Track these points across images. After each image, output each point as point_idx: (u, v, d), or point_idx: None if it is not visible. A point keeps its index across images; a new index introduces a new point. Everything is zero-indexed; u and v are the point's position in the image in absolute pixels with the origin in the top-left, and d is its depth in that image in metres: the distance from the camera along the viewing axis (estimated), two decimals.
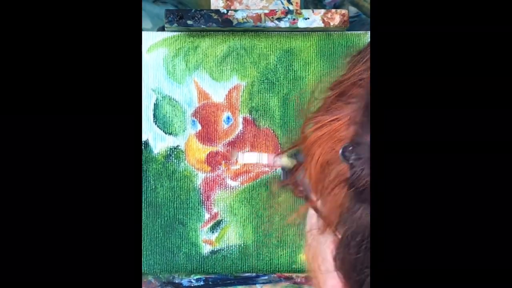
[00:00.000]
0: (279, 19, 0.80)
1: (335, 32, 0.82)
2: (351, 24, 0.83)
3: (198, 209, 0.80)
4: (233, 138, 0.80)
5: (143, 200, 0.79)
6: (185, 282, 0.79)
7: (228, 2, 0.82)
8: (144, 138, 0.80)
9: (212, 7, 0.82)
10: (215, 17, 0.79)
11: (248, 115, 0.81)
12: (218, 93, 0.81)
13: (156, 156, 0.80)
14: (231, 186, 0.80)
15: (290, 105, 0.81)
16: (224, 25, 0.79)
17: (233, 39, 0.81)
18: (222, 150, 0.80)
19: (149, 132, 0.80)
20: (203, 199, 0.80)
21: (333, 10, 0.80)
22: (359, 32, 0.82)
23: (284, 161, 0.65)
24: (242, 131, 0.80)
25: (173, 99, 0.81)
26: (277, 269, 0.79)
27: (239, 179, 0.80)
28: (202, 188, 0.80)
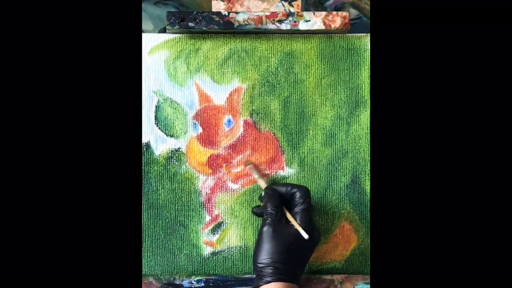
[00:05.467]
0: (280, 21, 0.80)
1: (336, 35, 0.82)
2: (352, 26, 0.84)
3: (199, 211, 0.80)
4: (234, 141, 0.80)
5: (144, 202, 0.79)
6: (185, 283, 0.79)
7: (229, 4, 0.82)
8: (145, 140, 0.80)
9: (214, 9, 0.82)
10: (217, 19, 0.79)
11: (249, 118, 0.81)
12: (219, 96, 0.81)
13: (158, 158, 0.80)
14: (232, 189, 0.80)
15: (291, 108, 0.81)
16: (225, 27, 0.79)
17: (234, 42, 0.82)
18: (223, 153, 0.80)
19: (151, 134, 0.80)
20: (204, 201, 0.80)
21: (334, 13, 0.80)
22: (360, 34, 0.82)
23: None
24: (243, 134, 0.80)
25: (175, 101, 0.81)
26: None
27: (239, 181, 0.80)
28: (203, 190, 0.80)
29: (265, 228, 0.73)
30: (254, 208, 0.78)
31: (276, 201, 0.74)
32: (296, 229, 0.72)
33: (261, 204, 0.78)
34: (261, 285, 0.70)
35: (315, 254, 0.79)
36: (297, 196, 0.74)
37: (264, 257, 0.71)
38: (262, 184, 0.78)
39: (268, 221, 0.73)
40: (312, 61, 0.82)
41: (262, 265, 0.71)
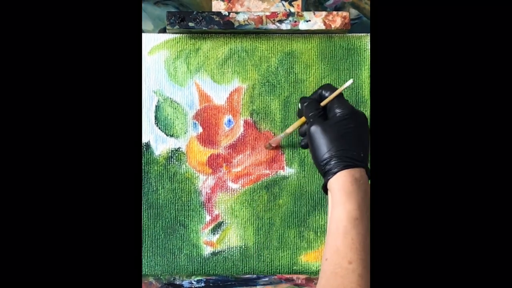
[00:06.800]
0: (280, 21, 0.80)
1: (336, 35, 0.82)
2: (352, 26, 0.84)
3: (199, 211, 0.80)
4: (234, 141, 0.80)
5: (144, 202, 0.79)
6: (186, 283, 0.80)
7: (229, 4, 0.82)
8: (145, 140, 0.80)
9: (214, 9, 0.82)
10: (217, 19, 0.79)
11: (249, 118, 0.81)
12: (219, 96, 0.81)
13: (158, 158, 0.80)
14: (232, 188, 0.80)
15: (291, 108, 0.81)
16: (225, 27, 0.79)
17: (234, 42, 0.82)
18: (223, 153, 0.80)
19: (151, 134, 0.80)
20: (204, 201, 0.80)
21: (334, 13, 0.80)
22: (360, 34, 0.82)
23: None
24: (243, 134, 0.81)
25: (175, 101, 0.81)
26: (278, 270, 0.80)
27: (240, 181, 0.80)
28: (203, 190, 0.80)
29: (312, 128, 0.71)
30: (301, 142, 0.77)
31: (315, 105, 0.73)
32: (338, 115, 0.72)
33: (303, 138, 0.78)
34: (329, 178, 0.69)
35: (315, 254, 0.79)
36: (323, 91, 0.74)
37: (323, 152, 0.69)
38: (291, 128, 0.78)
39: (311, 121, 0.72)
40: (312, 61, 0.82)
41: (324, 161, 0.69)
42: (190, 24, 0.79)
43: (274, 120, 0.81)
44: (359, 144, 0.71)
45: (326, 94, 0.74)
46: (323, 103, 0.74)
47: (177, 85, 0.81)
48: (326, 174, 0.69)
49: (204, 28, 0.79)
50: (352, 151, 0.70)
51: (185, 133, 0.81)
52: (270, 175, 0.80)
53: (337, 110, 0.72)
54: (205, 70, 0.81)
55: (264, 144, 0.80)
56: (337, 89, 0.73)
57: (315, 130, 0.71)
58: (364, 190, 0.69)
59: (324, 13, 0.80)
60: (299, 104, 0.75)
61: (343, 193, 0.67)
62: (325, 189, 0.71)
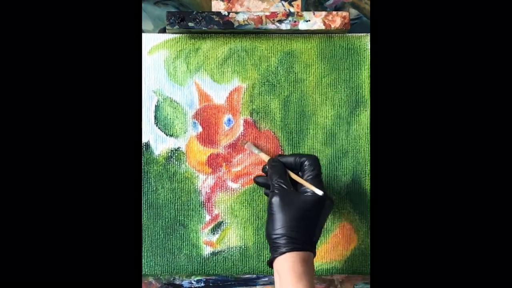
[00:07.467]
0: (280, 21, 0.80)
1: (336, 35, 0.82)
2: (352, 26, 0.84)
3: (199, 210, 0.80)
4: (234, 140, 0.80)
5: (144, 202, 0.79)
6: (185, 283, 0.80)
7: (229, 4, 0.82)
8: (145, 140, 0.80)
9: (213, 9, 0.82)
10: (217, 19, 0.79)
11: (249, 117, 0.81)
12: (219, 95, 0.81)
13: (157, 157, 0.80)
14: (232, 188, 0.80)
15: (291, 107, 0.81)
16: (225, 27, 0.79)
17: (234, 41, 0.82)
18: (223, 152, 0.80)
19: (150, 133, 0.80)
20: (204, 201, 0.80)
21: (334, 13, 0.80)
22: (360, 34, 0.82)
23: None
24: (243, 133, 0.81)
25: (174, 101, 0.81)
26: None
27: (240, 181, 0.80)
28: (203, 189, 0.80)
29: (273, 199, 0.71)
30: (256, 177, 0.78)
31: (280, 171, 0.73)
32: (306, 196, 0.71)
33: (264, 175, 0.77)
34: (277, 257, 0.69)
35: None
36: (306, 165, 0.73)
37: (277, 227, 0.69)
38: (264, 157, 0.78)
39: (276, 191, 0.71)
40: (312, 61, 0.82)
41: (275, 236, 0.69)
42: (190, 24, 0.79)
43: (274, 119, 0.81)
44: (315, 229, 0.71)
45: (305, 167, 0.73)
46: (295, 178, 0.74)
47: (177, 85, 0.81)
48: (274, 250, 0.69)
49: (204, 28, 0.79)
50: (306, 235, 0.70)
51: (185, 132, 0.81)
52: None
53: (308, 190, 0.72)
54: (204, 69, 0.81)
55: (242, 140, 0.80)
56: (320, 168, 0.73)
57: (276, 202, 0.71)
58: (312, 273, 0.69)
59: (324, 13, 0.80)
60: (269, 162, 0.75)
61: (294, 274, 0.67)
62: (270, 265, 0.71)
